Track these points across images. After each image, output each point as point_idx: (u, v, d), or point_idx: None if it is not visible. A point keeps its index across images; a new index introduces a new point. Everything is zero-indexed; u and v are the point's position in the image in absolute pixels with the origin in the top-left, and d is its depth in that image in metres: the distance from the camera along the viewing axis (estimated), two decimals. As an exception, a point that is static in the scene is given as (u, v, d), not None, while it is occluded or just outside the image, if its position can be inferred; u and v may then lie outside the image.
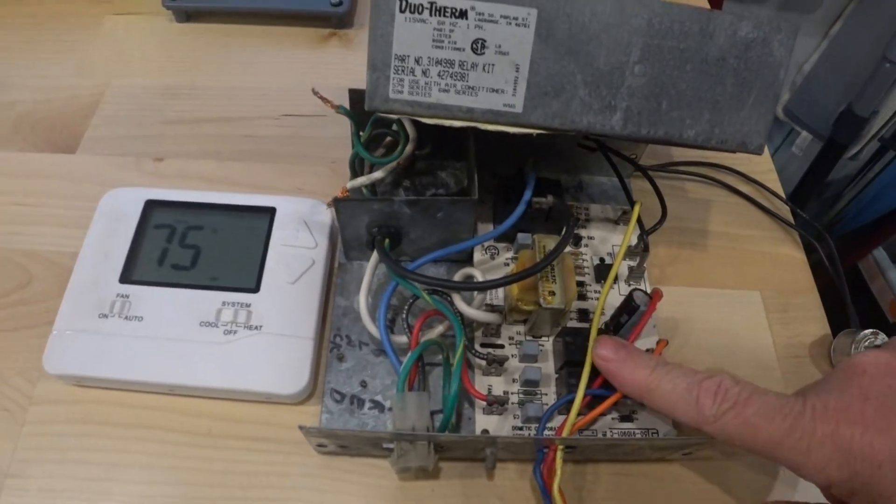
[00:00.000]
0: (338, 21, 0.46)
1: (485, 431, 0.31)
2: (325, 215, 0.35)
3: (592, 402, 0.30)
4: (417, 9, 0.27)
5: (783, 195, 0.41)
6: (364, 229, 0.33)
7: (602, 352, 0.28)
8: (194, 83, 0.44)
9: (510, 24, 0.27)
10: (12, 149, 0.41)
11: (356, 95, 0.34)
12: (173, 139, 0.41)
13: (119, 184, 0.38)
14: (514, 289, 0.31)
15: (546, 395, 0.32)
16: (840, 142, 0.66)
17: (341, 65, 0.45)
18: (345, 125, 0.35)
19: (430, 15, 0.27)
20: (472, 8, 0.27)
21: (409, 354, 0.29)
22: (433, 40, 0.27)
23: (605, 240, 0.37)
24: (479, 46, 0.27)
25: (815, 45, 0.68)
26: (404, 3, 0.27)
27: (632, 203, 0.36)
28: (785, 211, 0.41)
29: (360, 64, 0.44)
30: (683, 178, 0.42)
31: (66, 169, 0.39)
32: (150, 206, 0.35)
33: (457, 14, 0.27)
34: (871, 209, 0.67)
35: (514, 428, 0.31)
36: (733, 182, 0.42)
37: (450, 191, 0.38)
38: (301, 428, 0.26)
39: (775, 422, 0.24)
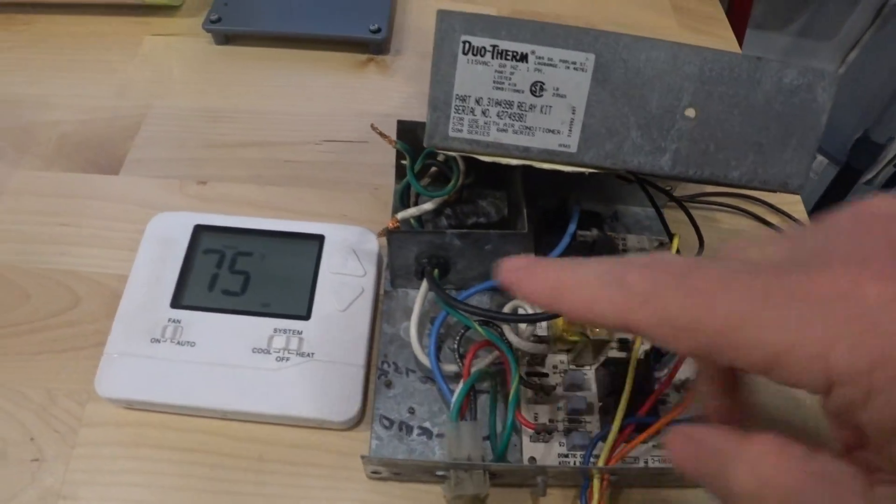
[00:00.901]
0: (375, 47, 0.47)
1: (531, 459, 0.31)
2: (373, 243, 0.35)
3: (639, 426, 0.31)
4: (480, 51, 0.28)
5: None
6: (413, 259, 0.33)
7: (506, 262, 0.21)
8: (235, 106, 0.44)
9: (569, 68, 0.28)
10: (56, 168, 0.41)
11: (404, 126, 0.35)
12: (216, 162, 0.41)
13: (163, 206, 0.39)
14: (561, 320, 0.32)
15: (590, 422, 0.33)
16: (856, 167, 0.68)
17: (381, 91, 0.46)
18: (386, 152, 0.36)
19: (493, 58, 0.28)
20: (533, 52, 0.28)
21: (461, 385, 0.30)
22: (494, 82, 0.28)
23: (642, 270, 0.38)
24: (537, 89, 0.28)
25: (832, 71, 0.70)
26: (467, 46, 0.28)
27: (669, 235, 0.37)
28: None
29: (399, 91, 0.46)
30: (714, 208, 0.43)
31: (110, 190, 0.40)
32: (199, 230, 0.36)
33: (518, 58, 0.28)
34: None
35: (560, 455, 0.32)
36: (762, 213, 0.43)
37: (490, 219, 0.38)
38: (363, 458, 0.27)
39: (738, 287, 0.16)
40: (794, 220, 0.43)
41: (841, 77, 0.72)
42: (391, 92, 0.45)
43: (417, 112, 0.44)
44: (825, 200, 0.70)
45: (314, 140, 0.42)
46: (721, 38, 0.53)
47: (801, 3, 0.66)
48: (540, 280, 0.19)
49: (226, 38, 0.47)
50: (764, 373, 0.15)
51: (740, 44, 0.56)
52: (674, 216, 0.39)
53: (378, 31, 0.45)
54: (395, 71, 0.47)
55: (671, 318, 0.16)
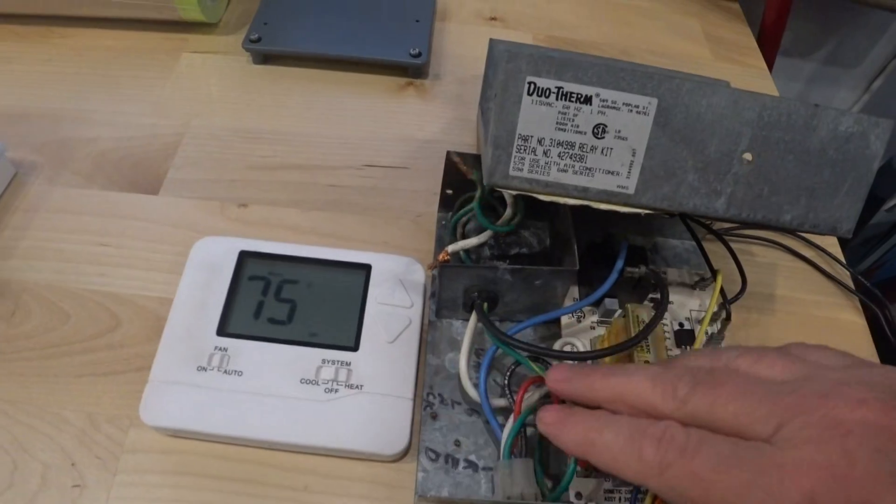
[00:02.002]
0: (415, 71, 0.47)
1: (578, 494, 0.31)
2: (420, 274, 0.35)
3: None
4: (545, 93, 0.28)
5: (843, 260, 0.43)
6: (461, 292, 0.33)
7: (543, 415, 0.26)
8: (274, 127, 0.44)
9: (631, 111, 0.28)
10: (94, 186, 0.41)
11: (454, 159, 0.35)
12: (256, 185, 0.41)
13: (204, 229, 0.39)
14: (610, 358, 0.32)
15: (633, 460, 0.33)
16: (879, 195, 0.68)
17: (419, 116, 0.46)
18: (426, 179, 0.36)
19: (557, 99, 0.28)
20: (598, 95, 0.28)
21: (512, 421, 0.30)
22: (557, 123, 0.29)
23: (683, 304, 0.38)
24: (600, 131, 0.29)
25: (855, 98, 0.71)
26: (532, 87, 0.28)
27: (712, 270, 0.37)
28: (845, 276, 0.42)
29: (438, 116, 0.46)
30: (750, 242, 0.43)
31: (150, 210, 0.40)
32: (244, 256, 0.36)
33: (582, 100, 0.28)
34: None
35: (606, 490, 0.32)
36: (796, 246, 0.43)
37: (532, 250, 0.39)
38: (418, 496, 0.27)
39: (732, 473, 0.19)
40: (827, 253, 0.43)
41: (865, 104, 0.73)
42: (431, 116, 0.45)
43: (457, 138, 0.44)
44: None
45: (355, 164, 0.42)
46: (753, 67, 0.53)
47: (829, 31, 0.67)
48: (572, 434, 0.24)
49: (264, 58, 0.47)
50: None
51: (770, 71, 0.56)
52: (712, 249, 0.39)
53: (419, 55, 0.45)
54: (434, 96, 0.47)
55: (679, 491, 0.20)
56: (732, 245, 0.41)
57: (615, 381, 0.24)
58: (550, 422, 0.25)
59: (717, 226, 0.41)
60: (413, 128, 0.45)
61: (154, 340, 0.34)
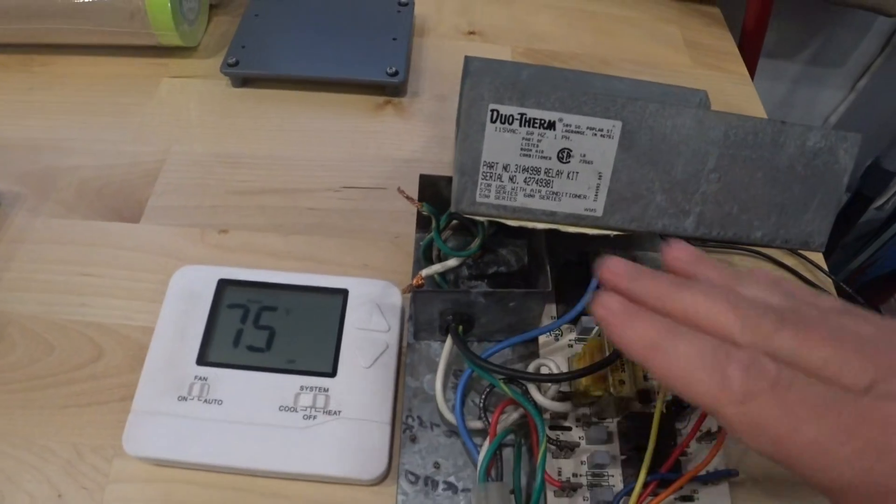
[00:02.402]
0: (393, 90, 0.47)
1: (556, 515, 0.32)
2: (397, 298, 0.36)
3: (663, 482, 0.31)
4: (508, 119, 0.28)
5: (826, 268, 0.43)
6: (437, 315, 0.34)
7: (607, 300, 0.21)
8: (254, 151, 0.44)
9: (595, 135, 0.29)
10: (76, 216, 0.41)
11: (427, 181, 0.35)
12: (236, 210, 0.41)
13: (185, 256, 0.39)
14: (585, 377, 0.32)
15: (613, 476, 0.33)
16: (867, 194, 0.68)
17: (398, 135, 0.46)
18: (405, 200, 0.36)
19: (520, 126, 0.28)
20: (561, 120, 0.28)
21: (487, 444, 0.30)
22: (521, 149, 0.29)
23: (662, 319, 0.38)
24: (564, 155, 0.29)
25: (841, 97, 0.71)
26: (496, 115, 0.28)
27: (689, 285, 0.37)
28: (828, 284, 0.42)
29: (417, 134, 0.46)
30: (730, 252, 0.43)
31: (132, 239, 0.40)
32: (223, 285, 0.36)
33: (545, 125, 0.28)
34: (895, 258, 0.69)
35: (584, 511, 0.32)
36: (777, 255, 0.43)
37: (511, 268, 0.39)
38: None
39: (830, 416, 0.17)
40: (810, 262, 0.43)
41: (851, 104, 0.73)
42: (409, 135, 0.46)
43: (436, 156, 0.45)
44: (835, 225, 0.71)
45: (334, 187, 0.43)
46: (733, 72, 0.53)
47: (812, 32, 0.67)
48: (639, 333, 0.20)
49: (243, 81, 0.48)
50: (824, 493, 0.17)
51: (752, 75, 0.56)
52: (691, 261, 0.39)
53: (395, 73, 0.45)
54: (412, 113, 0.47)
55: (761, 426, 0.18)
56: (713, 255, 0.41)
57: (690, 296, 0.20)
58: (616, 310, 0.21)
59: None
60: (391, 147, 0.45)
61: (137, 370, 0.34)
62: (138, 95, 0.47)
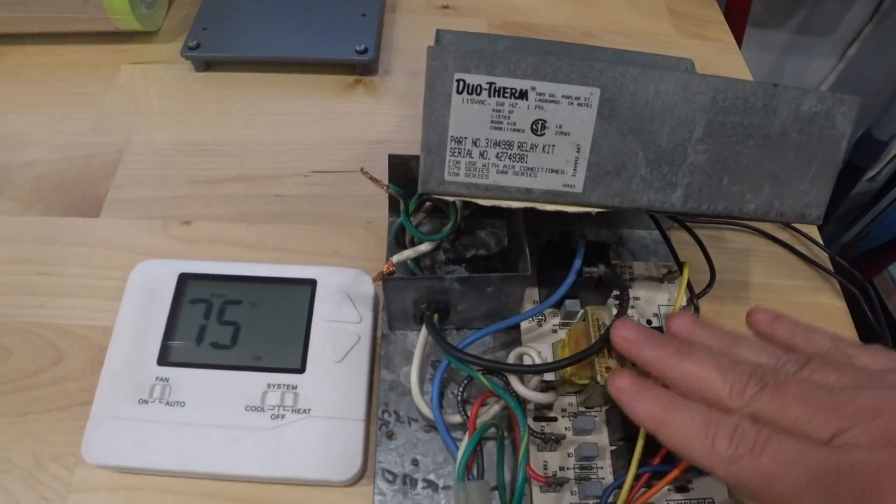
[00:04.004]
0: (363, 68, 0.45)
1: (543, 511, 0.30)
2: (368, 287, 0.34)
3: (654, 474, 0.29)
4: (475, 90, 0.26)
5: (821, 242, 0.41)
6: (411, 303, 0.32)
7: (619, 380, 0.26)
8: (218, 138, 0.42)
9: (572, 104, 0.26)
10: (33, 213, 0.39)
11: (396, 161, 0.33)
12: (200, 200, 0.39)
13: (146, 250, 0.37)
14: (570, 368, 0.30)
15: (602, 468, 0.31)
16: (859, 165, 0.66)
17: (369, 115, 0.43)
18: (378, 183, 0.34)
19: (489, 96, 0.26)
20: (533, 88, 0.26)
21: (466, 440, 0.29)
22: (491, 122, 0.27)
23: (651, 300, 0.36)
24: (539, 127, 0.27)
25: (831, 66, 0.68)
26: (461, 85, 0.26)
27: (679, 263, 0.35)
28: (823, 257, 0.41)
29: (388, 114, 0.44)
30: (721, 228, 0.41)
31: (91, 235, 0.38)
32: (184, 279, 0.34)
33: (517, 95, 0.26)
34: (889, 229, 0.67)
35: (572, 506, 0.30)
36: (771, 230, 0.41)
37: (490, 251, 0.37)
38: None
39: (795, 472, 0.21)
40: (804, 235, 0.41)
41: (841, 72, 0.71)
42: (381, 115, 0.43)
43: (410, 136, 0.42)
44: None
45: (302, 172, 0.40)
46: (721, 42, 0.51)
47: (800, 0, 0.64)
48: (647, 408, 0.25)
49: (206, 65, 0.45)
50: None
51: (739, 44, 0.54)
52: (680, 237, 0.37)
53: (365, 51, 0.43)
54: (384, 92, 0.45)
55: (744, 482, 0.22)
56: (703, 232, 0.39)
57: (686, 367, 0.25)
58: (625, 388, 0.26)
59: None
60: (362, 128, 0.42)
61: (98, 372, 0.32)
62: (96, 84, 0.45)
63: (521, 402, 0.30)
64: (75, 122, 0.43)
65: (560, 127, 0.27)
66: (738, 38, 0.53)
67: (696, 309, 0.33)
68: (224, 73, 0.45)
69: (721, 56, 0.49)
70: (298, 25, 0.44)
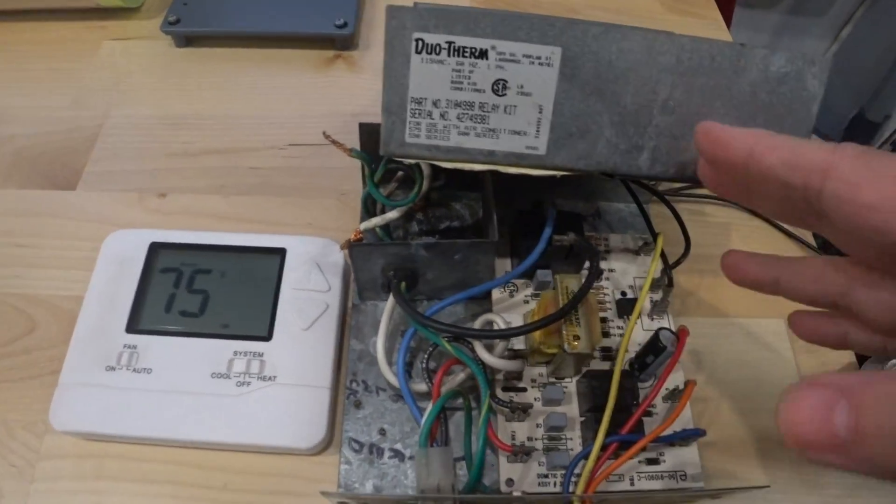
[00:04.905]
0: (342, 43, 0.45)
1: (509, 481, 0.30)
2: (338, 256, 0.33)
3: (623, 444, 0.29)
4: (435, 49, 0.26)
5: (805, 217, 0.40)
6: (379, 272, 0.31)
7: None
8: (197, 112, 0.42)
9: (533, 63, 0.26)
10: (10, 186, 0.39)
11: (367, 129, 0.33)
12: (177, 173, 0.39)
13: (122, 222, 0.37)
14: (538, 333, 0.30)
15: (571, 439, 0.31)
16: (853, 147, 0.65)
17: (348, 89, 0.43)
18: (353, 156, 0.34)
19: (449, 56, 0.26)
20: (493, 48, 0.26)
21: (430, 407, 0.28)
22: (452, 82, 0.26)
23: (626, 272, 0.36)
24: (500, 87, 0.26)
25: (824, 48, 0.67)
26: (420, 44, 0.26)
27: (654, 234, 0.35)
28: (806, 234, 0.40)
29: (368, 88, 0.44)
30: (702, 202, 0.40)
31: (67, 207, 0.38)
32: (155, 248, 0.34)
33: (476, 54, 0.26)
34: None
35: (540, 475, 0.30)
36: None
37: (464, 223, 0.36)
38: (323, 493, 0.25)
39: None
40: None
41: (834, 54, 0.70)
42: (360, 89, 0.43)
43: (388, 111, 0.42)
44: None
45: (279, 145, 0.40)
46: (708, 18, 0.50)
47: (792, -22, 0.63)
48: (739, 141, 0.21)
49: (187, 41, 0.45)
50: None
51: (728, 24, 0.53)
52: (660, 211, 0.37)
53: (344, 25, 0.43)
54: (363, 67, 0.44)
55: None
56: (683, 206, 0.39)
57: None
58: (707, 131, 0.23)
59: (664, 186, 0.38)
60: (341, 102, 0.42)
61: (69, 341, 0.32)
62: (78, 60, 0.45)
63: (488, 370, 0.30)
64: (56, 97, 0.43)
65: (521, 87, 0.26)
66: (727, 17, 0.52)
67: (671, 280, 0.33)
68: (204, 49, 0.45)
69: (709, 33, 0.48)
70: (278, 0, 0.44)
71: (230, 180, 0.39)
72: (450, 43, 0.26)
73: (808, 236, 0.39)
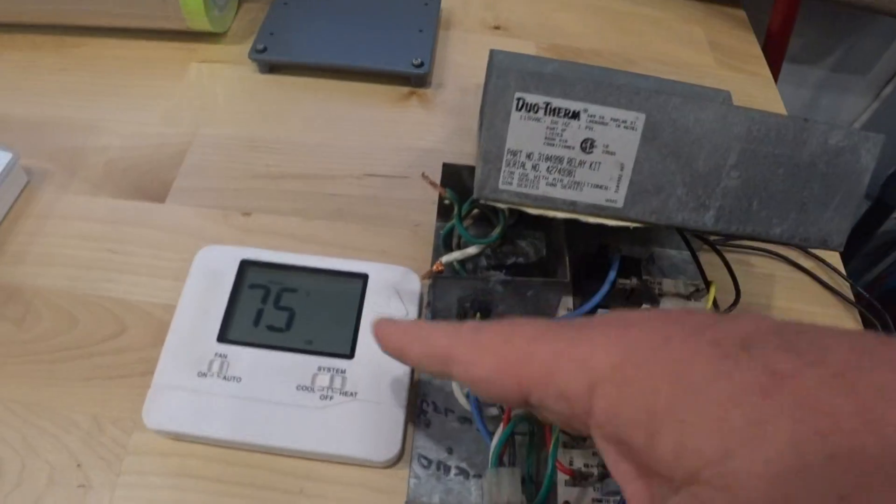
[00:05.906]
0: (417, 81, 0.48)
1: (566, 503, 0.32)
2: (416, 284, 0.36)
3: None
4: (533, 108, 0.29)
5: (843, 272, 0.43)
6: (455, 302, 0.34)
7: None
8: (279, 136, 0.45)
9: (619, 126, 0.29)
10: (104, 194, 0.42)
11: (450, 170, 0.36)
12: (260, 193, 0.42)
13: (207, 237, 0.40)
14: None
15: (623, 469, 0.33)
16: (889, 202, 0.68)
17: (422, 125, 0.46)
18: (425, 189, 0.37)
19: (545, 115, 0.29)
20: (585, 110, 0.29)
21: (500, 430, 0.31)
22: (545, 138, 0.29)
23: (678, 315, 0.38)
24: (588, 145, 0.29)
25: (865, 105, 0.70)
26: (521, 103, 0.28)
27: (706, 281, 0.37)
28: (845, 287, 0.42)
29: (439, 125, 0.47)
30: (748, 252, 0.43)
31: (157, 218, 0.41)
32: (245, 265, 0.36)
33: (570, 115, 0.29)
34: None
35: (595, 500, 0.32)
36: (795, 257, 0.43)
37: (529, 259, 0.39)
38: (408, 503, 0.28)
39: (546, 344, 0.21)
40: (827, 264, 0.43)
41: (875, 112, 0.72)
42: (432, 126, 0.46)
43: (458, 147, 0.45)
44: (855, 234, 0.71)
45: (356, 174, 0.43)
46: (757, 75, 0.53)
47: (837, 38, 0.66)
48: (432, 342, 0.24)
49: (270, 68, 0.48)
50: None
51: (776, 79, 0.56)
52: (709, 259, 0.39)
53: (421, 64, 0.46)
54: (436, 105, 0.47)
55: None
56: (731, 256, 0.41)
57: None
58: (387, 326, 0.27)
59: (714, 237, 0.41)
60: (414, 137, 0.45)
61: (158, 346, 0.35)
62: (167, 79, 0.48)
63: (553, 399, 0.32)
64: (147, 112, 0.46)
65: (607, 147, 0.29)
66: (775, 73, 0.55)
67: (721, 326, 0.35)
68: (286, 77, 0.49)
69: (758, 90, 0.52)
70: (360, 37, 0.47)
71: (309, 204, 0.42)
72: (547, 103, 0.28)
73: (847, 291, 0.42)
